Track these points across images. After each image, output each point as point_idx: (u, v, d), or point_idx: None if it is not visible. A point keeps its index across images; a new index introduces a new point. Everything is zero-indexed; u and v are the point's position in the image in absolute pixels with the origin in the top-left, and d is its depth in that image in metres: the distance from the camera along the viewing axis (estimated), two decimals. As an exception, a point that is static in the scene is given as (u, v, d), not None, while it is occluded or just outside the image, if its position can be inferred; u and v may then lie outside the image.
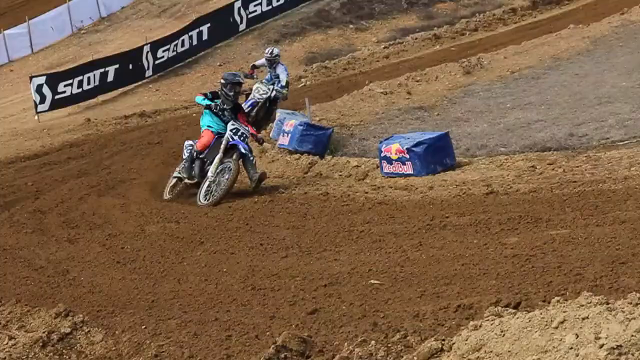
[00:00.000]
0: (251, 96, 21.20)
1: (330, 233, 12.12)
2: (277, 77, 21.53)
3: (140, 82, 31.02)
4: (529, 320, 5.79)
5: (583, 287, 7.42)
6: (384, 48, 32.35)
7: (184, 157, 16.36)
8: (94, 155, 22.29)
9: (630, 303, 5.78)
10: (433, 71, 23.67)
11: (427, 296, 8.53)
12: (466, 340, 5.98)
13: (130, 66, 30.69)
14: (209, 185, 15.47)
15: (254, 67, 22.26)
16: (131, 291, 10.31)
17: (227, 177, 15.39)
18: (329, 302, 8.83)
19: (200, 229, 13.34)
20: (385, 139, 16.12)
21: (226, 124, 15.96)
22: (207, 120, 16.22)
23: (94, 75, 29.79)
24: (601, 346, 5.06)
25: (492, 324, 6.01)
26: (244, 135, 15.76)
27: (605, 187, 12.30)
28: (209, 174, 15.55)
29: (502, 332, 5.83)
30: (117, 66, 30.29)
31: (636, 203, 10.94)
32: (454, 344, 6.05)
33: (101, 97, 29.95)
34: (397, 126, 18.96)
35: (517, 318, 5.97)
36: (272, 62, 21.72)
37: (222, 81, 16.28)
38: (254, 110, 20.95)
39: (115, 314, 9.16)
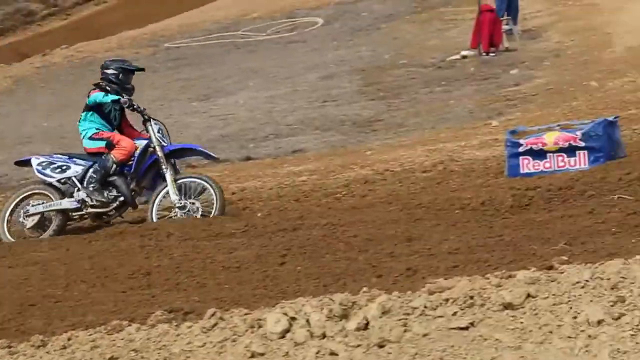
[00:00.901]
0: None
1: None
2: None
3: None
4: None
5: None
6: None
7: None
8: None
9: (33, 345, 5.83)
10: None
11: None
12: None
13: None
14: (168, 209, 11.55)
15: None
16: None
17: (198, 201, 11.54)
18: None
19: None
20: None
21: (114, 127, 12.12)
22: (96, 124, 12.03)
23: None
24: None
25: None
26: (167, 135, 12.03)
27: None
28: (173, 197, 11.52)
29: None
30: None
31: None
32: None
33: None
34: None
35: None
36: None
37: (112, 71, 12.09)
38: None
39: None
